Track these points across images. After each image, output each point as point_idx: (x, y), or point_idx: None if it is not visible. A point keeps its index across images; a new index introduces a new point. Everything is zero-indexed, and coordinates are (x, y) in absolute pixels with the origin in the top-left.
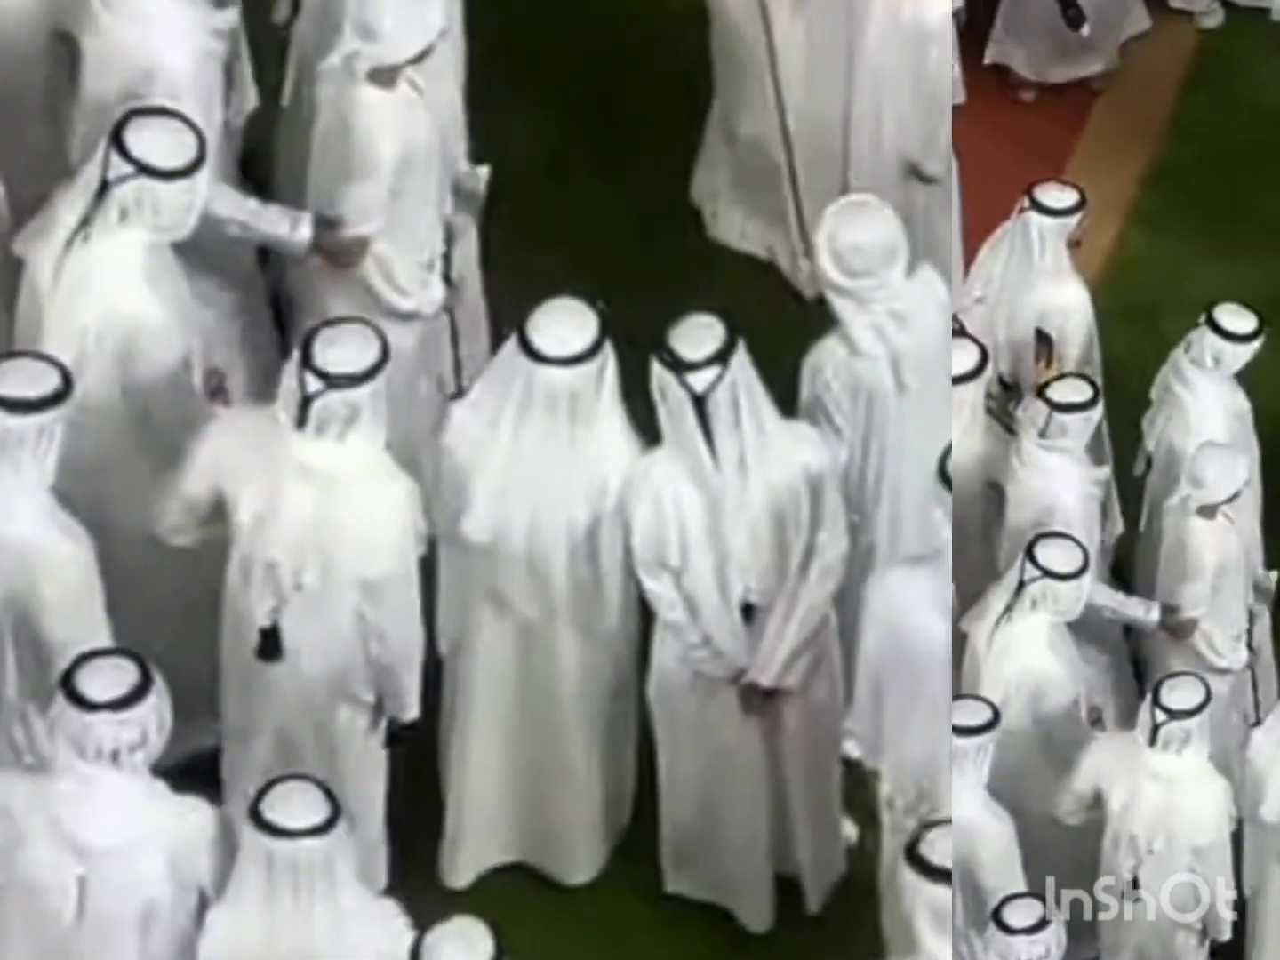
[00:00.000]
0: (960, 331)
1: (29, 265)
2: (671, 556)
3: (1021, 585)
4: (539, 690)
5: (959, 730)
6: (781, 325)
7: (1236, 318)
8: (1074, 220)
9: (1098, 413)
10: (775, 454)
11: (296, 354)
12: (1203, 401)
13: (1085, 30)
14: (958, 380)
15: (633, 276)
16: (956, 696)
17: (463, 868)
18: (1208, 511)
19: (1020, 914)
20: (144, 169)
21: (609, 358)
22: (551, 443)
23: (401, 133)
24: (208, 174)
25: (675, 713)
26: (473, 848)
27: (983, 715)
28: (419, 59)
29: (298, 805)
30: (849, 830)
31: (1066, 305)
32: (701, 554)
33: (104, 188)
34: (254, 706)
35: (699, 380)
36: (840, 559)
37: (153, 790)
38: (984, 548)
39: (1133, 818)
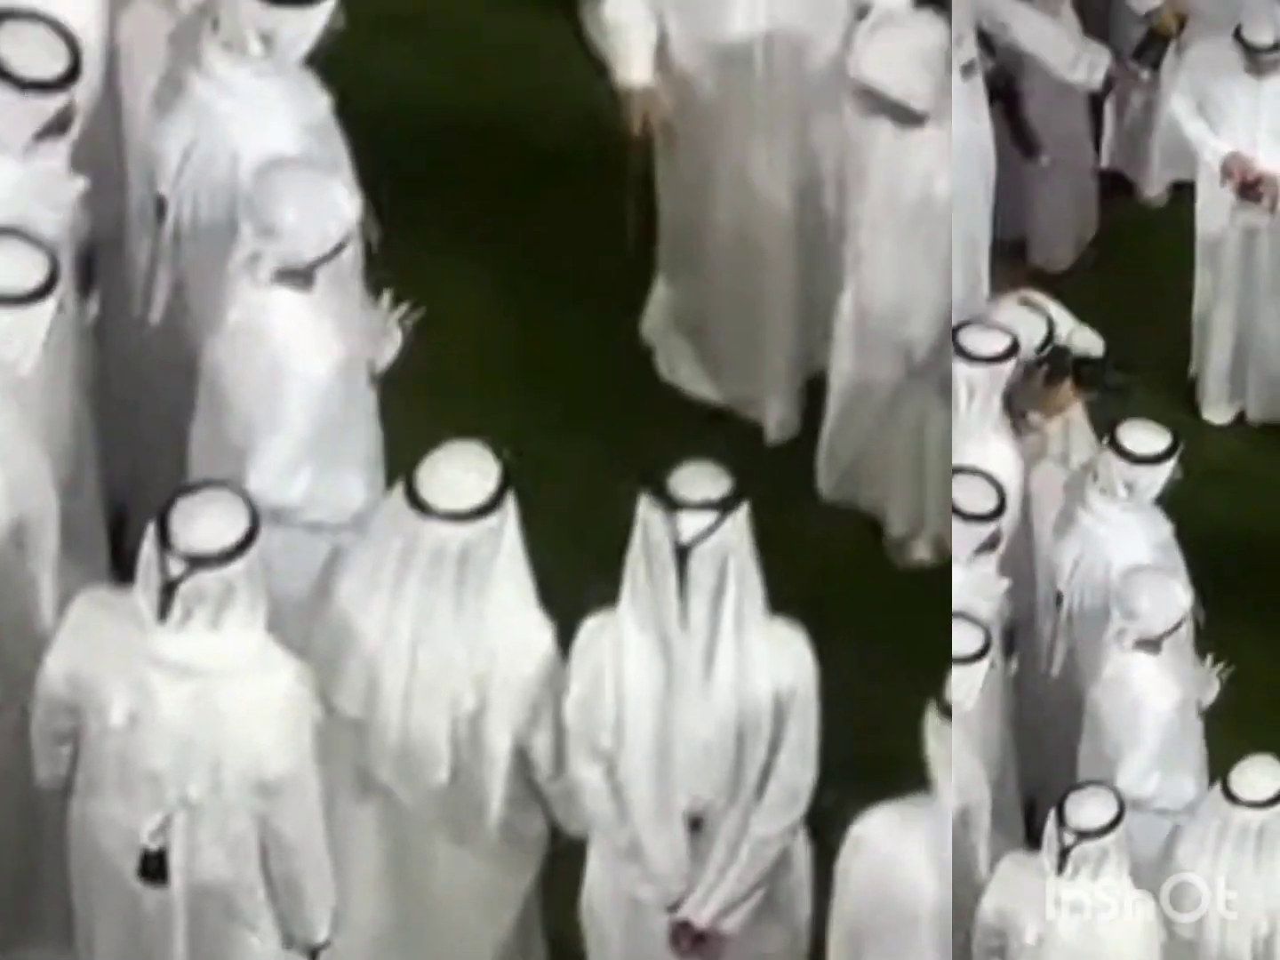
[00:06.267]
0: None
1: None
2: (604, 737)
3: None
4: (413, 895)
5: None
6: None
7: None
8: None
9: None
10: (750, 651)
11: (152, 532)
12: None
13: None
14: None
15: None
16: None
17: None
18: (1149, 646)
19: None
20: None
21: (509, 515)
22: (435, 610)
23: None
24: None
25: (604, 936)
26: None
27: None
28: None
29: None
30: None
31: None
32: (642, 741)
33: None
34: (126, 934)
35: (689, 525)
36: (803, 791)
37: None
38: None
39: (1051, 953)
